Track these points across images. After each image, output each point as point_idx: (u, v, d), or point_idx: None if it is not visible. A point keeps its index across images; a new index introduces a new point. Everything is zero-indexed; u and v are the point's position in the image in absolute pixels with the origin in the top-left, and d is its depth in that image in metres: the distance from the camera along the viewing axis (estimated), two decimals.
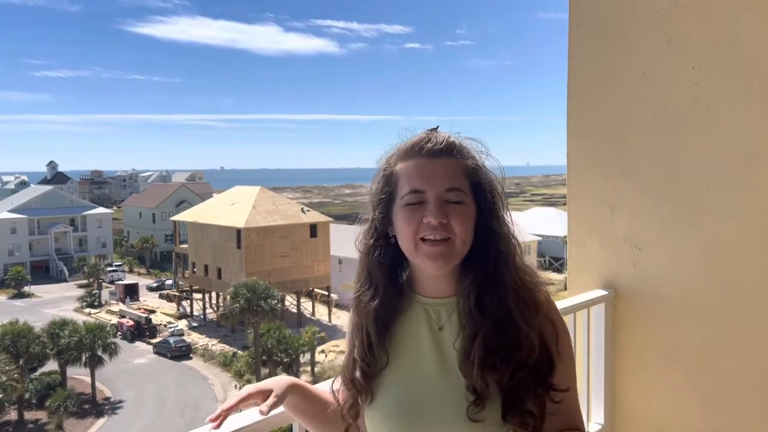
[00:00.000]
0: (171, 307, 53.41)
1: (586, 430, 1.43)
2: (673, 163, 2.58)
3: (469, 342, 1.29)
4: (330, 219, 52.30)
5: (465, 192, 1.32)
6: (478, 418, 1.24)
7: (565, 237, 3.24)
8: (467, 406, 1.25)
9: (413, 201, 1.31)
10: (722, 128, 2.46)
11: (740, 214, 2.44)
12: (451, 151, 1.35)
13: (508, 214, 1.38)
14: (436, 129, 1.39)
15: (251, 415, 1.40)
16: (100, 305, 54.92)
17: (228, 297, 40.52)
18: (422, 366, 1.34)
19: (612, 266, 2.75)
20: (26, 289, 60.88)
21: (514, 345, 1.28)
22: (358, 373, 1.35)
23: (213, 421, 1.28)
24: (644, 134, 2.65)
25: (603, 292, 2.72)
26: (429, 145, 1.34)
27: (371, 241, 1.38)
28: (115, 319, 48.16)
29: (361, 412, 1.39)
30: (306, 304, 49.39)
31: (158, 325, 47.89)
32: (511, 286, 1.32)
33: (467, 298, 1.33)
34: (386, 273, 1.37)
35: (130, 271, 69.30)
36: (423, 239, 1.30)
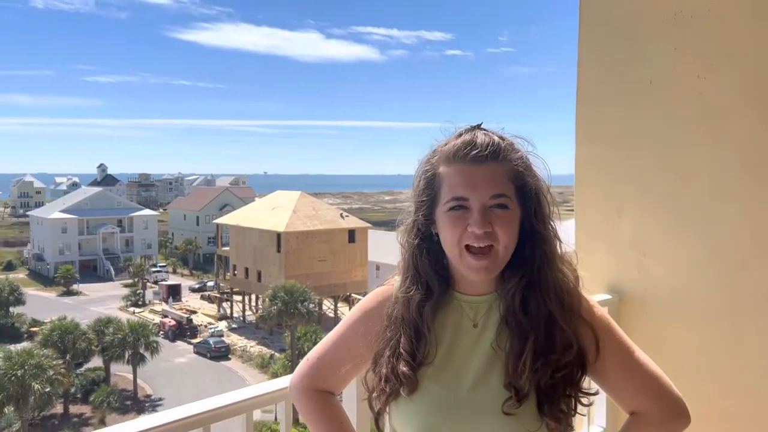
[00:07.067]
0: (212, 308, 54.43)
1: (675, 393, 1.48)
2: (678, 170, 2.61)
3: (520, 344, 1.31)
4: (368, 225, 52.55)
5: (509, 197, 1.31)
6: (513, 412, 1.28)
7: None
8: (503, 401, 1.28)
9: (457, 207, 1.31)
10: (727, 137, 2.49)
11: (744, 222, 2.46)
12: (496, 156, 1.32)
13: (554, 213, 1.37)
14: (479, 126, 1.36)
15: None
16: (143, 304, 56.38)
17: (266, 299, 41.12)
18: (458, 362, 1.36)
19: (617, 271, 2.79)
20: (75, 287, 62.99)
21: (556, 348, 1.31)
22: (403, 367, 1.33)
23: None
24: (651, 141, 2.69)
25: (608, 297, 2.75)
26: (474, 151, 1.31)
27: (416, 241, 1.38)
28: (157, 319, 49.31)
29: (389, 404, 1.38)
30: (343, 309, 49.68)
31: (199, 325, 48.87)
32: (554, 289, 1.34)
33: (511, 300, 1.34)
34: (435, 270, 1.38)
35: (174, 272, 70.95)
36: (467, 247, 1.30)
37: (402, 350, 1.35)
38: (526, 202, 1.34)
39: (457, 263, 1.35)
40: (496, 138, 1.34)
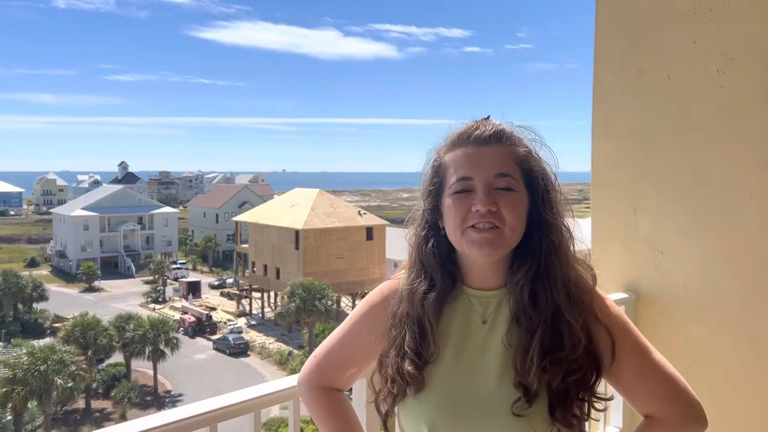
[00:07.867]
0: (231, 305, 54.79)
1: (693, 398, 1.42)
2: (696, 167, 2.56)
3: (527, 339, 1.27)
4: (386, 222, 52.53)
5: (516, 179, 1.28)
6: (522, 413, 1.24)
7: None
8: (513, 401, 1.24)
9: (461, 189, 1.28)
10: (746, 132, 2.43)
11: (764, 219, 2.40)
12: (500, 138, 1.31)
13: (564, 204, 1.34)
14: (487, 118, 1.35)
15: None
16: (164, 301, 56.98)
17: (285, 296, 41.33)
18: (467, 359, 1.32)
19: (634, 269, 2.74)
20: (96, 283, 63.72)
21: (563, 343, 1.26)
22: (408, 366, 1.29)
23: None
24: (668, 137, 2.64)
25: (624, 296, 2.71)
26: (477, 132, 1.31)
27: (423, 232, 1.36)
28: (177, 315, 49.77)
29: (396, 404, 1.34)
30: None
31: (218, 322, 49.20)
32: (563, 282, 1.29)
33: (520, 293, 1.30)
34: (440, 264, 1.34)
35: (194, 269, 71.47)
36: (471, 227, 1.26)
37: (407, 348, 1.31)
38: (533, 187, 1.31)
39: (460, 246, 1.30)
40: (500, 124, 1.34)
